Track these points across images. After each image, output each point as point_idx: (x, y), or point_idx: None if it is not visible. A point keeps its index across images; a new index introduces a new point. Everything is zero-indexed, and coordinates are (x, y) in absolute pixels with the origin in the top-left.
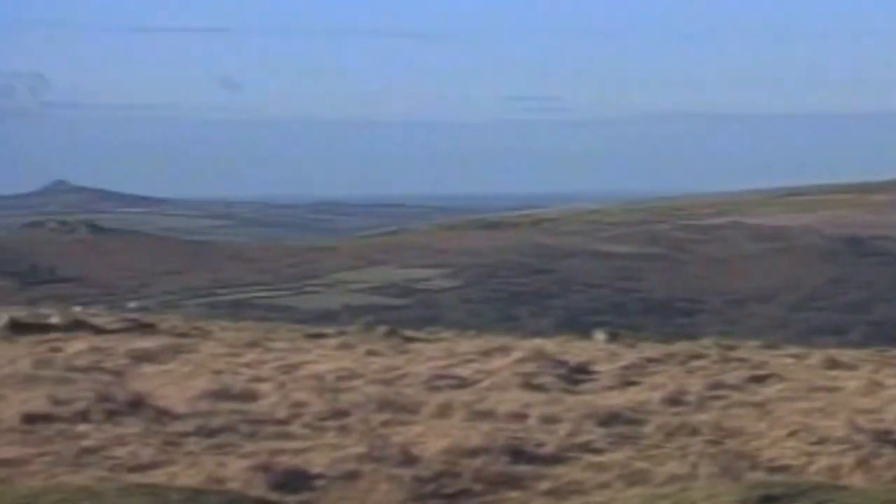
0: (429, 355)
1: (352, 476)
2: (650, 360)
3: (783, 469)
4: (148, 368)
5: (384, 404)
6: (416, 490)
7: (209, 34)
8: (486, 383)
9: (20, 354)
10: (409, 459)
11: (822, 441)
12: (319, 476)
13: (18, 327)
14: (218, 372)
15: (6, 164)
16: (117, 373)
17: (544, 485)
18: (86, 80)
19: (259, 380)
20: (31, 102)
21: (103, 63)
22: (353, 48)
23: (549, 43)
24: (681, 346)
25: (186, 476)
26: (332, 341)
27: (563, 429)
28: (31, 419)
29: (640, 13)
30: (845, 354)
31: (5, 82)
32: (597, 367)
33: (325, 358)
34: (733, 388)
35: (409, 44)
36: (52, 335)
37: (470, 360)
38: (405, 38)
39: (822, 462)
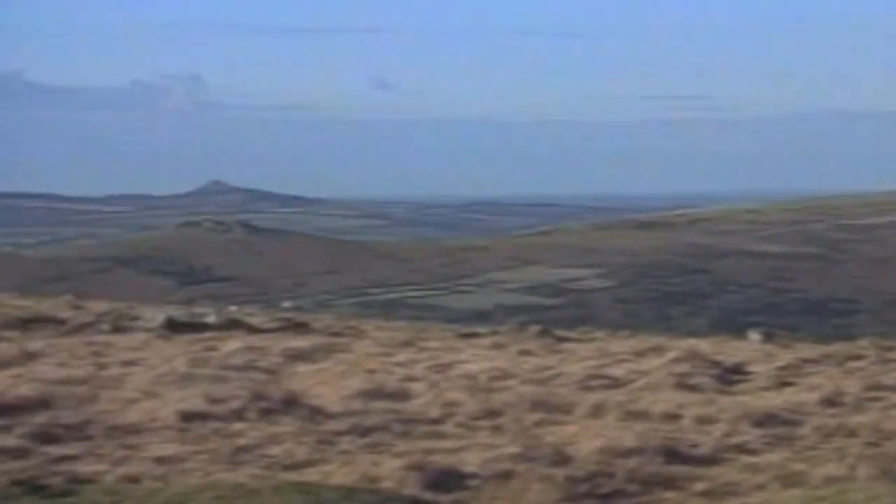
0: (582, 355)
1: (505, 476)
2: (806, 361)
3: None
4: (302, 367)
5: (537, 404)
6: (570, 490)
7: (363, 35)
8: (639, 383)
9: (177, 353)
10: (562, 459)
11: None
12: (472, 475)
13: (175, 326)
14: (371, 371)
15: (164, 165)
16: (272, 372)
17: (699, 486)
18: (242, 82)
19: (412, 379)
20: (188, 103)
21: (259, 64)
22: (505, 48)
23: (701, 41)
24: (838, 347)
25: (340, 475)
26: (485, 341)
27: (717, 429)
28: (187, 417)
29: (792, 11)
30: None
31: (163, 84)
32: (752, 368)
33: (478, 357)
34: (892, 389)
35: (562, 42)
36: (208, 334)
37: (623, 360)
38: (557, 37)
39: None
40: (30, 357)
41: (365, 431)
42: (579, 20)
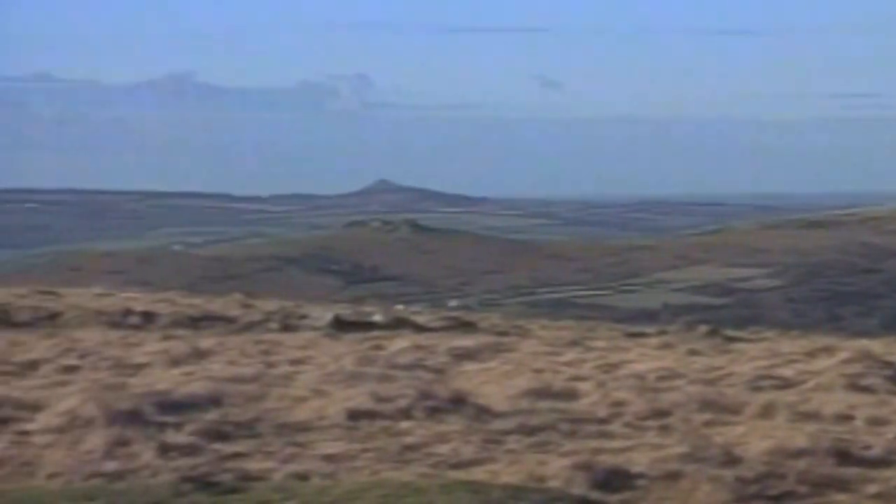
0: (751, 355)
1: (673, 476)
2: None
3: None
4: (469, 366)
5: (706, 404)
6: (739, 491)
7: (529, 34)
8: (810, 384)
9: (344, 352)
10: (731, 460)
11: None
12: (640, 475)
13: (342, 325)
14: (538, 370)
15: (331, 164)
16: (439, 370)
17: (872, 488)
18: (407, 81)
19: (579, 378)
20: (355, 103)
21: (424, 64)
22: (670, 46)
23: (874, 39)
24: None
25: (507, 474)
26: (653, 340)
27: (891, 431)
28: (355, 416)
29: None
30: None
31: (330, 84)
32: None
33: (646, 357)
34: None
35: (726, 41)
36: (375, 333)
37: (794, 361)
38: (721, 35)
39: None
40: (201, 355)
41: (532, 431)
42: (750, 18)
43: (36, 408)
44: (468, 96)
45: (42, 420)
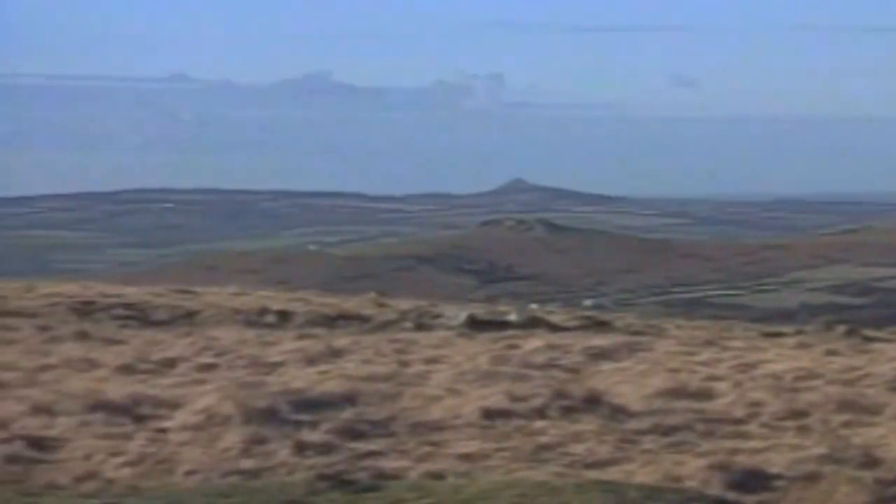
0: (891, 355)
1: (811, 477)
2: None
3: None
4: (604, 366)
5: (844, 405)
6: (879, 493)
7: (663, 32)
8: None
9: (479, 351)
10: (870, 461)
11: None
12: (778, 476)
13: (477, 324)
14: (674, 370)
15: (466, 163)
16: (573, 370)
17: None
18: (542, 80)
19: (715, 378)
20: (490, 103)
21: (559, 63)
22: (810, 44)
23: None
24: None
25: (643, 474)
26: (790, 340)
27: None
28: (489, 415)
29: None
30: None
31: (465, 83)
32: None
33: (783, 357)
34: None
35: (867, 38)
36: (510, 332)
37: None
38: (862, 33)
39: None
40: (336, 354)
41: (667, 430)
42: (891, 14)
43: (174, 406)
44: (603, 95)
45: (180, 418)
